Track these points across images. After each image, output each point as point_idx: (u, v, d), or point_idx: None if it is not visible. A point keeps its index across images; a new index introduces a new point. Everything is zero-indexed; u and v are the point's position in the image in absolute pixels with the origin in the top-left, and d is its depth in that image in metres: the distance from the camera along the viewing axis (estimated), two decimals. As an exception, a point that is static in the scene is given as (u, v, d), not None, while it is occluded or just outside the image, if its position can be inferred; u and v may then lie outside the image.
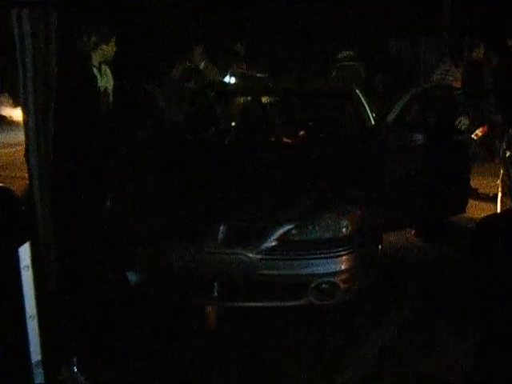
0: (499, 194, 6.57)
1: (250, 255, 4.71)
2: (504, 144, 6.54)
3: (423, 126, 6.19)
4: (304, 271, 4.74)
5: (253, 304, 4.82)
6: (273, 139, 6.30)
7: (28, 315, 3.54)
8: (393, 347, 4.57)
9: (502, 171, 6.52)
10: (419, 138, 5.88)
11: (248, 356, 4.48)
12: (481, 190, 7.72)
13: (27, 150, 5.31)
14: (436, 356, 4.45)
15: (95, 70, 5.42)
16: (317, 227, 4.84)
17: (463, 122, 6.35)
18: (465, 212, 6.31)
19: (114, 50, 5.58)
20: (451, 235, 6.40)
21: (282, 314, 4.92)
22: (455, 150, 6.25)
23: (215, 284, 4.77)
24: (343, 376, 4.29)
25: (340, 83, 7.84)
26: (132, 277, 4.84)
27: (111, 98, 5.59)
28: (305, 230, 4.82)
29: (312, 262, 4.75)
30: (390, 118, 5.85)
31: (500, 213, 4.52)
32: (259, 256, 4.70)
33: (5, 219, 3.31)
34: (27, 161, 5.31)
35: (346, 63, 9.09)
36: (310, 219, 4.84)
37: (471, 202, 6.74)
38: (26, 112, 4.03)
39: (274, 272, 4.75)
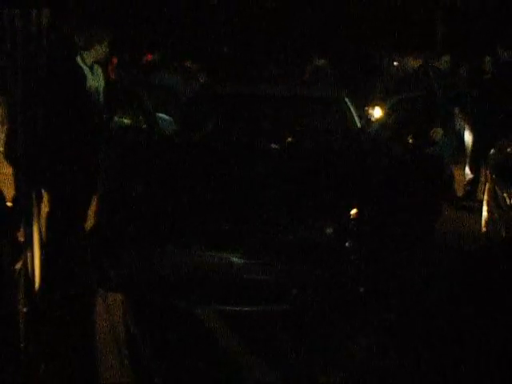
0: (484, 208, 6.62)
1: (234, 259, 4.75)
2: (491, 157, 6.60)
3: (401, 135, 6.19)
4: (287, 276, 4.78)
5: (237, 308, 4.85)
6: (261, 144, 6.34)
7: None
8: (378, 350, 4.62)
9: (487, 185, 6.56)
10: (397, 148, 5.91)
11: (231, 358, 4.53)
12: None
13: (8, 146, 5.33)
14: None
15: (87, 70, 5.44)
16: (301, 233, 4.88)
17: (437, 132, 6.37)
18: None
19: (107, 50, 5.61)
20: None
21: (268, 318, 4.95)
22: (427, 161, 6.17)
23: (200, 287, 4.80)
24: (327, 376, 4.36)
25: (329, 89, 7.90)
26: (116, 278, 4.87)
27: (101, 98, 5.61)
28: (288, 235, 4.86)
29: (295, 266, 4.79)
30: (374, 126, 5.91)
31: None
32: (242, 260, 4.73)
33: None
34: (6, 156, 5.33)
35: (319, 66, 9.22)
36: (293, 224, 4.88)
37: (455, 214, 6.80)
38: (13, 109, 4.07)
39: (258, 276, 4.79)
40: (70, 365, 4.11)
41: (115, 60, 7.26)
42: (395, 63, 7.70)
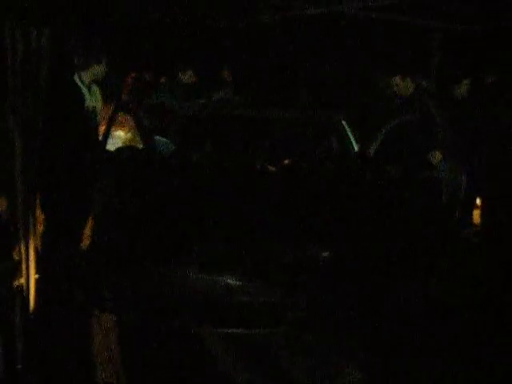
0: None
1: (230, 281, 4.74)
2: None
3: (399, 159, 6.18)
4: (283, 298, 4.78)
5: (233, 330, 4.83)
6: (258, 166, 6.35)
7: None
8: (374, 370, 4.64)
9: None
10: (395, 171, 5.89)
11: (227, 380, 4.52)
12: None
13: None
14: None
15: (84, 90, 5.46)
16: (297, 255, 4.88)
17: (436, 156, 6.36)
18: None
19: (105, 70, 5.63)
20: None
21: (265, 340, 4.93)
22: (427, 185, 6.19)
23: (196, 309, 4.79)
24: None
25: (327, 113, 7.94)
26: (111, 299, 4.86)
27: (98, 117, 5.63)
28: (285, 258, 4.86)
29: (292, 289, 4.78)
30: (372, 150, 5.90)
31: None
32: (239, 282, 4.73)
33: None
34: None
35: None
36: (290, 247, 4.88)
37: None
38: (12, 127, 4.07)
39: (254, 298, 4.78)
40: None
41: (129, 79, 7.25)
42: (394, 84, 7.70)
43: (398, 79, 6.81)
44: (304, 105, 9.38)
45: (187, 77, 8.02)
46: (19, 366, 3.84)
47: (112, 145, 5.89)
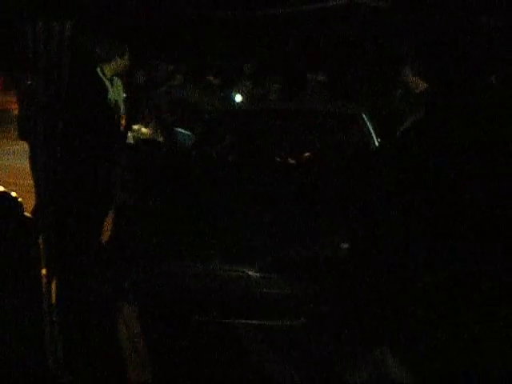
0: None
1: (250, 273, 4.76)
2: None
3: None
4: (301, 290, 4.79)
5: (252, 322, 4.85)
6: (278, 159, 6.36)
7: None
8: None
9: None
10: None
11: (247, 371, 4.52)
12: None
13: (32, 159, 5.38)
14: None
15: (107, 82, 5.48)
16: (314, 248, 4.89)
17: None
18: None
19: (128, 63, 5.64)
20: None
21: (284, 332, 4.94)
22: None
23: (217, 301, 4.81)
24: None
25: (347, 105, 7.92)
26: (133, 290, 4.88)
27: (121, 110, 5.64)
28: (304, 250, 4.87)
29: (311, 281, 4.79)
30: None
31: None
32: (259, 274, 4.75)
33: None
34: (32, 168, 5.38)
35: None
36: (310, 239, 4.89)
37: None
38: (34, 122, 4.10)
39: (273, 290, 4.79)
40: (92, 378, 4.13)
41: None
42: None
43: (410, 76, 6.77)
44: (324, 98, 9.40)
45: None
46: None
47: (132, 138, 5.93)
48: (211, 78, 8.09)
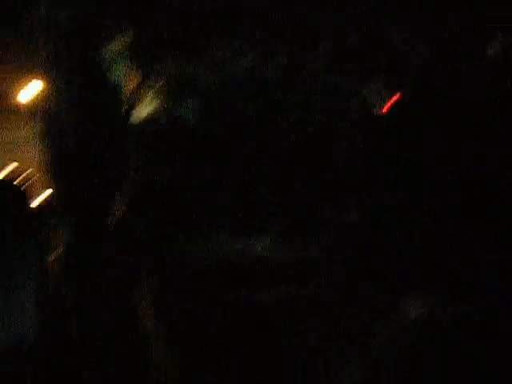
0: None
1: (262, 243, 4.79)
2: None
3: None
4: (315, 259, 4.83)
5: (266, 292, 4.90)
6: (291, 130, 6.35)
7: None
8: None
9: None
10: None
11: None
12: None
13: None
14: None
15: (106, 63, 5.44)
16: (328, 217, 4.91)
17: None
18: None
19: (130, 41, 5.61)
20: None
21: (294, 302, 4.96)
22: None
23: (226, 272, 4.85)
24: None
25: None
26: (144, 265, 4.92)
27: (123, 91, 5.62)
28: (317, 219, 4.90)
29: (323, 250, 4.83)
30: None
31: None
32: (271, 245, 4.78)
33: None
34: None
35: None
36: (322, 208, 4.91)
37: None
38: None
39: (287, 260, 4.83)
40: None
41: None
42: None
43: None
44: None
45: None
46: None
47: (136, 119, 5.89)
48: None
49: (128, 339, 4.49)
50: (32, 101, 5.75)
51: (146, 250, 4.86)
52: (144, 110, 5.91)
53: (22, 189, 3.88)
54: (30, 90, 5.23)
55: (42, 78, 4.24)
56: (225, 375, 4.31)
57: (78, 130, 4.88)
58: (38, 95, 4.41)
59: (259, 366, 4.39)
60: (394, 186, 5.05)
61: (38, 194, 4.62)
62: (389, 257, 4.77)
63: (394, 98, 5.89)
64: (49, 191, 4.21)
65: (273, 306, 4.86)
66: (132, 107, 5.70)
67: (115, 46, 5.45)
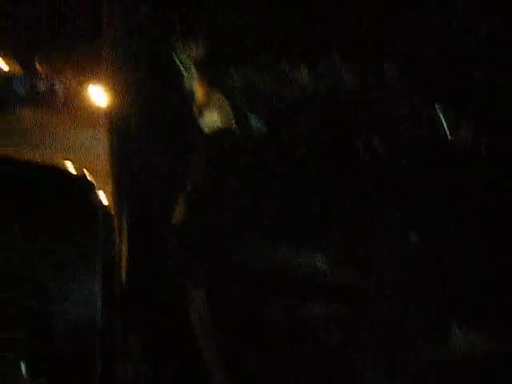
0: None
1: (318, 257, 4.81)
2: None
3: None
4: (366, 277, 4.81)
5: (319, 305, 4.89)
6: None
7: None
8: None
9: None
10: None
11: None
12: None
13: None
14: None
15: (183, 70, 5.47)
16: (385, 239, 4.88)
17: None
18: None
19: (206, 51, 5.62)
20: None
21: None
22: None
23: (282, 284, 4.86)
24: None
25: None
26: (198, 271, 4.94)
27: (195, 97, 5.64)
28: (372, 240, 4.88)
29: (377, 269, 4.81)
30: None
31: None
32: (326, 259, 4.79)
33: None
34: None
35: None
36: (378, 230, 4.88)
37: None
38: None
39: (339, 277, 4.83)
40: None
41: None
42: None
43: None
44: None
45: None
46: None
47: (205, 126, 5.94)
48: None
49: (182, 338, 4.55)
50: (104, 104, 5.84)
51: (207, 256, 4.90)
52: (214, 118, 5.98)
53: (92, 184, 3.97)
54: (103, 94, 5.29)
55: (116, 83, 4.29)
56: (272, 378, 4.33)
57: (147, 134, 4.96)
58: (110, 99, 4.46)
59: (306, 372, 4.41)
60: (459, 213, 4.98)
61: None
62: (445, 283, 4.71)
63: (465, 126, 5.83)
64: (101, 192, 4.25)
65: (323, 319, 4.86)
66: (202, 115, 5.77)
67: (190, 54, 5.52)
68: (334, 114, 6.64)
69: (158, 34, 5.42)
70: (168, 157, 5.30)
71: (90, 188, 3.87)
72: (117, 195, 4.57)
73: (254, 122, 6.41)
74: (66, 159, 5.68)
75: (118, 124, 4.69)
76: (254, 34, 5.86)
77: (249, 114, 6.48)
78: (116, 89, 4.73)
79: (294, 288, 4.80)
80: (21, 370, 3.64)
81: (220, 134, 5.82)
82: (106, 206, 4.20)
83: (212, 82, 6.31)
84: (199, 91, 5.81)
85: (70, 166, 4.57)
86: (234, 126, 6.09)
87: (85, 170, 4.26)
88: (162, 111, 5.20)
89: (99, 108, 6.23)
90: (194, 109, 5.78)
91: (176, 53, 5.45)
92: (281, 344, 4.61)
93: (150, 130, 5.11)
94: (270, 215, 4.96)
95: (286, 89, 7.20)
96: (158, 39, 5.43)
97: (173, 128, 5.34)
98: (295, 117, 6.63)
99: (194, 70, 5.68)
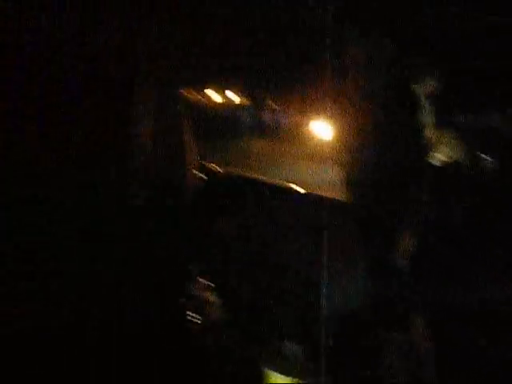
0: None
1: None
2: None
3: None
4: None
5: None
6: None
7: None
8: None
9: None
10: None
11: None
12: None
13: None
14: None
15: (419, 102, 5.57)
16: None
17: None
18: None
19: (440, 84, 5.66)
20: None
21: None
22: None
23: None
24: None
25: None
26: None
27: (427, 136, 5.64)
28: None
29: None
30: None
31: None
32: None
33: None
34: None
35: None
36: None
37: None
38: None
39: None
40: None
41: None
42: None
43: None
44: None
45: None
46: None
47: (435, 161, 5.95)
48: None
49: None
50: (328, 137, 5.99)
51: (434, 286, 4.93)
52: (443, 153, 5.98)
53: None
54: (328, 127, 5.44)
55: (345, 116, 4.42)
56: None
57: (377, 159, 5.07)
58: (336, 132, 4.59)
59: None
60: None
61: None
62: None
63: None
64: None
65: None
66: (433, 150, 5.80)
67: (425, 88, 5.57)
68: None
69: (396, 68, 5.48)
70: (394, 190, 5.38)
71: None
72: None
73: (484, 162, 6.35)
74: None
75: (350, 156, 4.83)
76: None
77: (479, 153, 6.43)
78: (345, 122, 4.86)
79: (497, 325, 4.73)
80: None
81: (450, 170, 5.82)
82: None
83: (445, 118, 6.32)
84: (431, 126, 5.84)
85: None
86: (464, 163, 6.07)
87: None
88: (394, 141, 5.28)
89: (322, 140, 6.39)
90: (425, 143, 5.82)
91: (413, 87, 5.50)
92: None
93: (382, 164, 5.20)
94: (495, 253, 4.92)
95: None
96: (395, 72, 5.48)
97: (403, 161, 5.41)
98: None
99: (428, 105, 5.72)
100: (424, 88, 5.58)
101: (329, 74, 5.14)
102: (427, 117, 5.66)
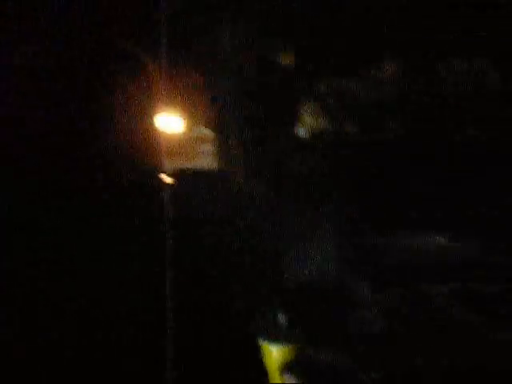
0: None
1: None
2: None
3: None
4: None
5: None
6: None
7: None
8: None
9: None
10: None
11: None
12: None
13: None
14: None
15: None
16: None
17: None
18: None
19: None
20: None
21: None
22: None
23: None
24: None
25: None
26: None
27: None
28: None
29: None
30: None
31: None
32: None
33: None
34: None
35: None
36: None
37: None
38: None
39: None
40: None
41: None
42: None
43: None
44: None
45: None
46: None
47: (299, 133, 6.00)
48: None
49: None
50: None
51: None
52: (309, 125, 6.05)
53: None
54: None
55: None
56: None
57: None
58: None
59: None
60: None
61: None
62: None
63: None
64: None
65: (439, 299, 4.83)
66: (297, 122, 5.85)
67: (285, 60, 5.61)
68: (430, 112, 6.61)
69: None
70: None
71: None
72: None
73: (348, 128, 6.44)
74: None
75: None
76: (345, 42, 5.92)
77: (342, 120, 6.53)
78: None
79: (413, 269, 4.82)
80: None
81: (315, 140, 5.88)
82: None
83: (307, 88, 6.38)
84: (294, 98, 5.89)
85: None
86: (328, 132, 6.14)
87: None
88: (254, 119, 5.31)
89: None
90: (289, 116, 5.87)
91: (275, 58, 5.53)
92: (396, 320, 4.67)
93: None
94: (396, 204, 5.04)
95: (378, 93, 7.20)
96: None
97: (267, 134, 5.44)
98: (388, 120, 6.64)
99: (290, 78, 5.76)
100: (282, 60, 5.63)
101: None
102: (289, 90, 5.72)
